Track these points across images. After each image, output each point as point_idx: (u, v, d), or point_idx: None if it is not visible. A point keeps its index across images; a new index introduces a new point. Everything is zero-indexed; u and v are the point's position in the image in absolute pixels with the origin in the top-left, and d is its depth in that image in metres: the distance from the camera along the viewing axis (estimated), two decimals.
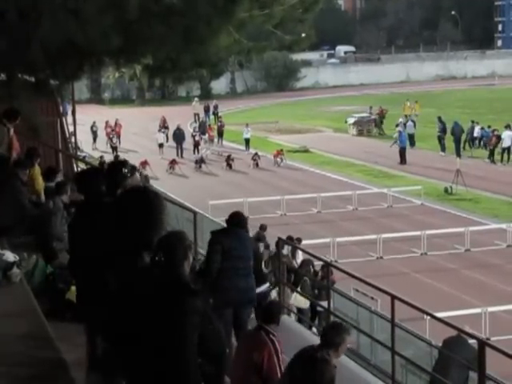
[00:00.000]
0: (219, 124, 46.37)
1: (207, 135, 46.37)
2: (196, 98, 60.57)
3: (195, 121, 55.04)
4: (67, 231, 6.76)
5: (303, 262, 14.84)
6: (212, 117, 56.47)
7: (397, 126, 44.00)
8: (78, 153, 28.19)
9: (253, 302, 9.24)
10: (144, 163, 35.25)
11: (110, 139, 43.73)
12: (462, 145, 39.85)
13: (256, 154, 39.70)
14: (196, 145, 43.09)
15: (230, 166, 38.59)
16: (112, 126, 45.56)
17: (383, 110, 50.54)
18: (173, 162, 38.48)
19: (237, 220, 9.21)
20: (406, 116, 48.22)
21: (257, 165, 38.92)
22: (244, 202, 28.06)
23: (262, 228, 18.18)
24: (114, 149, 42.47)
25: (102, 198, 6.11)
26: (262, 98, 76.55)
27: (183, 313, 4.78)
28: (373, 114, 50.28)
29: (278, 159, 39.47)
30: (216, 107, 58.28)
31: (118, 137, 45.10)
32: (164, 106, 67.78)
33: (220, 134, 46.67)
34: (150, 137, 46.92)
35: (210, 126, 48.17)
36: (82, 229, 6.14)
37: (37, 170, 11.15)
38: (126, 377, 5.05)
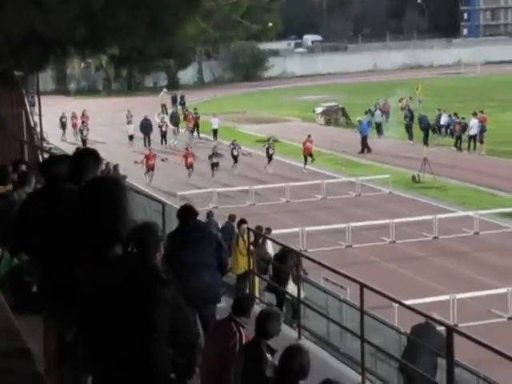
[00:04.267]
0: (195, 115, 45.45)
1: (186, 126, 45.35)
2: (164, 89, 60.25)
3: (162, 111, 54.76)
4: (19, 217, 6.57)
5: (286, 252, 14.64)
6: (179, 107, 56.14)
7: (366, 113, 44.18)
8: (44, 144, 27.87)
9: (217, 301, 8.82)
10: (149, 157, 32.89)
11: (81, 131, 43.10)
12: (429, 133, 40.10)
13: (234, 145, 35.05)
14: (163, 136, 42.85)
15: (214, 167, 33.11)
16: (78, 117, 45.13)
17: (387, 103, 48.53)
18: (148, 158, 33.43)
19: (186, 212, 8.88)
20: (402, 109, 47.22)
21: (236, 157, 34.45)
22: (213, 192, 28.05)
23: (231, 218, 18.15)
24: (84, 142, 41.75)
25: (64, 184, 6.01)
26: (229, 87, 76.45)
27: (153, 303, 4.75)
28: (379, 105, 48.76)
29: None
30: (182, 97, 57.96)
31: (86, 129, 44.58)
32: (131, 97, 67.43)
33: (196, 126, 45.24)
34: (118, 128, 46.60)
35: (188, 116, 45.80)
36: (39, 216, 6.03)
37: None
38: (94, 368, 5.01)
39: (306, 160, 35.23)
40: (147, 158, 32.95)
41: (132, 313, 4.77)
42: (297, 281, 11.17)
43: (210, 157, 33.28)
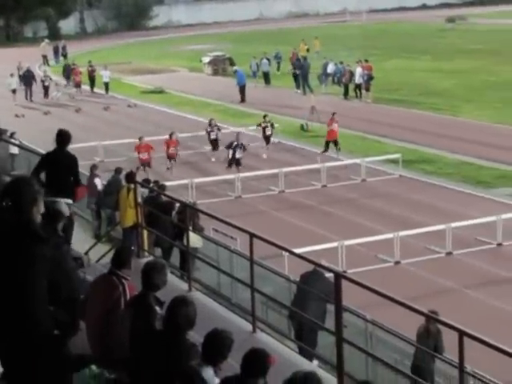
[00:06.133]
0: (90, 69, 43.68)
1: (73, 79, 43.51)
2: (46, 40, 58.44)
3: (44, 63, 53.08)
4: None
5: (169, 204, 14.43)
6: (61, 58, 54.48)
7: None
8: None
9: None
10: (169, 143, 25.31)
11: None
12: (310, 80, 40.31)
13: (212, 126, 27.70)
14: (46, 89, 41.56)
15: (235, 164, 24.91)
16: None
17: (296, 53, 46.08)
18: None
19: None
20: (304, 57, 44.04)
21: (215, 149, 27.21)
22: (98, 146, 27.45)
23: (117, 171, 17.80)
24: None
25: None
26: (113, 37, 74.84)
27: (31, 260, 4.66)
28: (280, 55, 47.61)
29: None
30: (64, 48, 56.24)
31: None
32: (9, 48, 65.01)
33: (91, 80, 43.50)
34: None
35: (75, 69, 43.93)
36: None
37: None
38: None
39: (327, 146, 27.28)
40: (168, 144, 25.24)
41: (8, 271, 4.62)
42: (187, 233, 11.00)
43: (230, 147, 24.91)
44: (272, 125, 27.89)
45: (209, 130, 27.54)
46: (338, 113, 27.66)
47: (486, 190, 22.84)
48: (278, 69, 47.62)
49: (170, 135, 25.50)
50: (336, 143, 27.02)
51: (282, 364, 6.34)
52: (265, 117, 28.23)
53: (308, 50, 48.96)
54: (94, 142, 27.78)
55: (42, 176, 10.28)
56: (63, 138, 10.52)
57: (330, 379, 7.48)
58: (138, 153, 24.72)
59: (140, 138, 25.09)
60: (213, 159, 26.86)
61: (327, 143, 27.22)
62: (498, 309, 14.81)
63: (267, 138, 27.70)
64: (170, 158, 25.08)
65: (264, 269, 11.03)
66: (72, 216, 10.84)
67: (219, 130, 27.85)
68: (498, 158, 25.90)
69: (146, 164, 24.31)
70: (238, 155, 24.72)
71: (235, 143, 24.91)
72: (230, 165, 24.77)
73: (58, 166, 10.25)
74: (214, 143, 27.35)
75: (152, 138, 28.66)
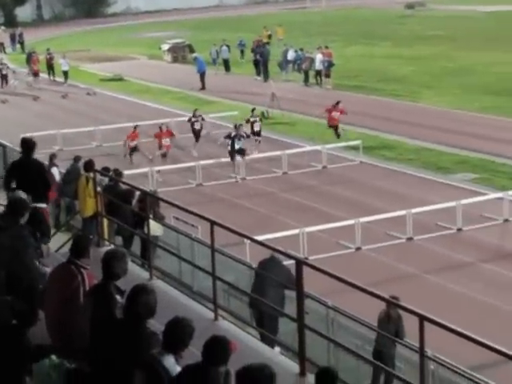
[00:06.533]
0: (48, 57, 42.87)
1: (30, 67, 42.81)
2: (2, 27, 57.71)
3: (0, 51, 52.37)
4: None
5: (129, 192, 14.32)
6: (18, 46, 53.78)
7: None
8: None
9: None
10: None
11: None
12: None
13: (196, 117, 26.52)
14: (3, 77, 40.97)
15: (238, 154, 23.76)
16: None
17: (260, 40, 45.03)
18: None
19: None
20: (265, 44, 44.29)
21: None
22: (57, 134, 27.14)
23: (76, 160, 17.59)
24: None
25: None
26: (71, 25, 74.02)
27: None
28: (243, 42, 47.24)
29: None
30: (21, 35, 55.50)
31: None
32: None
33: (50, 68, 42.89)
34: None
35: (34, 57, 42.64)
36: None
37: None
38: None
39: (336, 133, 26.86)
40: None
41: None
42: (148, 221, 10.91)
43: (229, 137, 24.02)
44: (261, 119, 26.70)
45: (193, 120, 26.35)
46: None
47: (445, 176, 23.03)
48: (242, 56, 47.37)
49: (160, 127, 24.82)
50: (336, 129, 26.71)
51: (243, 351, 6.32)
52: (253, 110, 26.69)
53: (270, 37, 48.85)
54: (53, 130, 27.44)
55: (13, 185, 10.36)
56: (28, 145, 10.61)
57: (292, 365, 7.48)
58: (132, 140, 24.80)
59: (135, 127, 25.31)
60: (195, 154, 25.59)
61: (334, 129, 26.84)
62: (457, 293, 14.97)
63: (257, 134, 25.86)
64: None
65: (225, 256, 11.01)
66: (48, 220, 10.93)
67: (203, 119, 26.84)
68: (458, 144, 26.13)
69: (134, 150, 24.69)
70: (237, 146, 23.67)
71: (233, 134, 23.90)
72: (232, 157, 23.61)
73: (27, 174, 10.31)
74: (198, 133, 26.48)
75: (111, 127, 28.46)
